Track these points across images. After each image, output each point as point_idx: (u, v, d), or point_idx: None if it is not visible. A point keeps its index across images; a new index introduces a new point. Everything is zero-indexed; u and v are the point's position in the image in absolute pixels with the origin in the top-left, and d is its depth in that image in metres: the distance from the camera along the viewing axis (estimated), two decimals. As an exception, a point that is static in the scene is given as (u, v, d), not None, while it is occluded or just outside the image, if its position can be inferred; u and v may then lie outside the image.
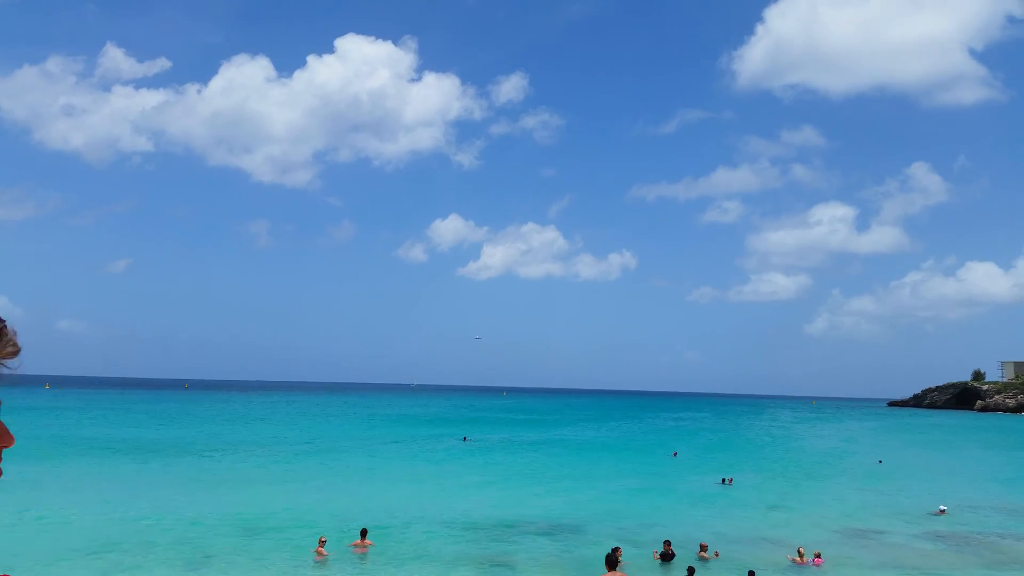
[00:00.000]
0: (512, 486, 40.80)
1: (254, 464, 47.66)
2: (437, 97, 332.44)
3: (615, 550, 18.89)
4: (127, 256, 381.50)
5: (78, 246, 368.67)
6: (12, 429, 1.60)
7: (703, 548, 24.97)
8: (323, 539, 23.97)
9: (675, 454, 61.11)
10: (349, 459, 51.85)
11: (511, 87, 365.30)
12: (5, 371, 1.70)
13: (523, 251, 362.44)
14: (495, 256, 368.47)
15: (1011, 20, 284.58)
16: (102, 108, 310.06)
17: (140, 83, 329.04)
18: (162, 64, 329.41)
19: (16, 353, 1.74)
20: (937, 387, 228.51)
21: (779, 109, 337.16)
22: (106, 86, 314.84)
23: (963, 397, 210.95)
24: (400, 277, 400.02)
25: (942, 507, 36.05)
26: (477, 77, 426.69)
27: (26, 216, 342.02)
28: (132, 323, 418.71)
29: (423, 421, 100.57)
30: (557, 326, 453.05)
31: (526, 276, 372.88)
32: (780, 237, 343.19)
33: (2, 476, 1.77)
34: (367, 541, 24.81)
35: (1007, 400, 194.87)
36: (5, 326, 1.72)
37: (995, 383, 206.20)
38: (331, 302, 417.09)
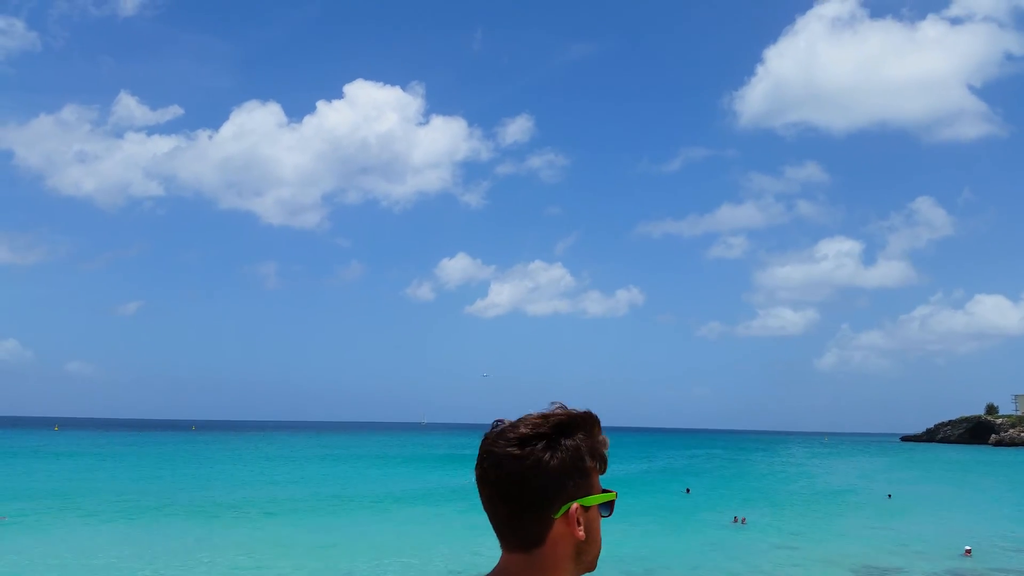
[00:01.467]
0: None
1: (255, 513, 47.04)
2: (444, 139, 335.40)
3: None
4: (137, 299, 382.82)
5: (88, 290, 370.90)
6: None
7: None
8: None
9: (688, 490, 60.35)
10: (353, 508, 50.19)
11: (517, 128, 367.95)
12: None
13: (530, 288, 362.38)
14: (503, 294, 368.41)
15: (1009, 57, 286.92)
16: (114, 154, 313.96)
17: (152, 130, 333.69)
18: (175, 111, 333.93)
19: (608, 444, 2.00)
20: (950, 421, 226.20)
21: (782, 146, 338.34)
22: (119, 133, 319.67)
23: (977, 431, 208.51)
24: (408, 316, 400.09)
25: (967, 548, 35.14)
26: (484, 119, 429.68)
27: (37, 261, 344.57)
28: (140, 365, 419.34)
29: (430, 463, 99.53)
30: (565, 363, 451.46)
31: (534, 313, 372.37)
32: (787, 272, 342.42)
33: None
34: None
35: (1023, 434, 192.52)
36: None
37: (1009, 416, 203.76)
38: (340, 342, 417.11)
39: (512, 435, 1.82)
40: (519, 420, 1.86)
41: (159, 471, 71.86)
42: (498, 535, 1.96)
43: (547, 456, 1.80)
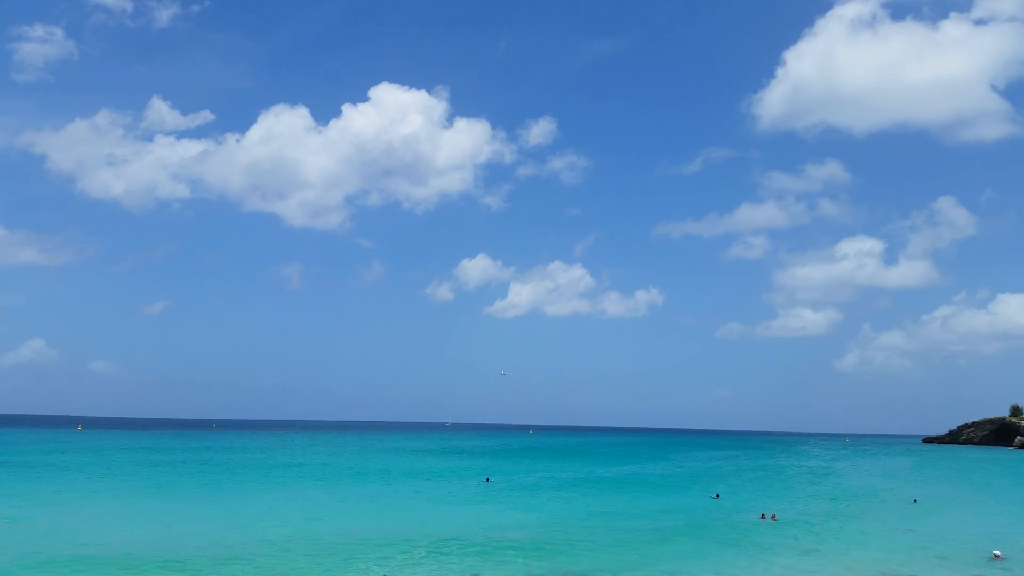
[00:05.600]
0: (538, 533, 39.58)
1: (269, 504, 47.77)
2: (468, 142, 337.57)
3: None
4: (162, 299, 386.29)
5: (115, 290, 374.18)
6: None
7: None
8: None
9: (717, 495, 59.99)
10: (367, 506, 49.99)
11: (540, 131, 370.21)
12: None
13: (550, 289, 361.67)
14: (522, 294, 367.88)
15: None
16: (144, 158, 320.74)
17: (182, 134, 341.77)
18: (205, 116, 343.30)
19: None
20: (974, 423, 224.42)
21: (802, 147, 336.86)
22: (149, 137, 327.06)
23: (1001, 433, 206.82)
24: (428, 316, 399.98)
25: (996, 552, 35.12)
26: (507, 121, 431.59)
27: (65, 261, 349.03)
28: (164, 364, 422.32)
29: (445, 461, 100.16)
30: (585, 363, 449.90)
31: (553, 314, 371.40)
32: (807, 272, 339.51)
33: None
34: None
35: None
36: None
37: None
38: (362, 342, 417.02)
39: None
40: None
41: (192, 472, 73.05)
42: None
43: None
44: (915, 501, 58.68)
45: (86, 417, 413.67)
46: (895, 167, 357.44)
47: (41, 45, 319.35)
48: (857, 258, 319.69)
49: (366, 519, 43.19)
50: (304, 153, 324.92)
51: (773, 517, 44.41)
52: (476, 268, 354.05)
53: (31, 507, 44.74)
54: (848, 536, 41.15)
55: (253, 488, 58.38)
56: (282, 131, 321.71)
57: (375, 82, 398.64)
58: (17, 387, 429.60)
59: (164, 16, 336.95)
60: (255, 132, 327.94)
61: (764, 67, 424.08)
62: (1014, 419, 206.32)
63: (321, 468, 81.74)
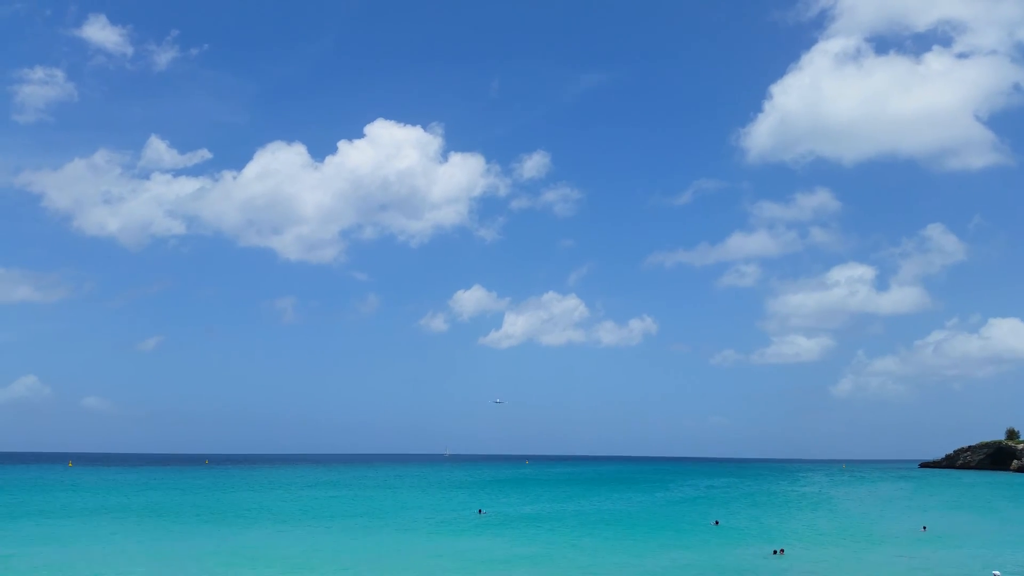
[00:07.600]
0: (529, 569, 38.30)
1: (263, 543, 46.93)
2: (463, 175, 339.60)
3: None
4: (157, 335, 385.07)
5: (109, 326, 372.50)
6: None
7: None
8: None
9: (716, 522, 59.33)
10: (357, 542, 48.37)
11: (533, 164, 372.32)
12: None
13: (544, 319, 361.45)
14: (517, 325, 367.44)
15: (1017, 88, 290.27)
16: (140, 196, 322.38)
17: (179, 172, 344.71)
18: (203, 154, 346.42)
19: None
20: (970, 447, 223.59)
21: (792, 177, 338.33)
22: (146, 175, 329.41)
23: (998, 457, 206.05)
24: (423, 348, 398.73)
25: (996, 572, 34.86)
26: (501, 155, 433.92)
27: (60, 298, 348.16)
28: (156, 400, 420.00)
29: (440, 493, 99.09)
30: (581, 393, 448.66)
31: (548, 344, 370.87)
32: (800, 299, 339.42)
33: None
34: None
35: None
36: None
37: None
38: (357, 374, 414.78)
39: None
40: None
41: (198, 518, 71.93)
42: None
43: None
44: (924, 528, 58.10)
45: (77, 453, 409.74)
46: (884, 195, 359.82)
47: (42, 87, 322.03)
48: (849, 285, 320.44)
49: (354, 556, 42.14)
50: (300, 189, 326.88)
51: (782, 551, 43.73)
52: (471, 299, 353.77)
53: (19, 547, 43.83)
54: (860, 567, 40.30)
55: (246, 526, 57.38)
56: (279, 168, 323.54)
57: (371, 119, 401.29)
58: (9, 424, 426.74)
59: (164, 59, 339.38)
60: (251, 169, 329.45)
61: (751, 101, 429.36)
62: (1010, 443, 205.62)
63: (316, 503, 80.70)
